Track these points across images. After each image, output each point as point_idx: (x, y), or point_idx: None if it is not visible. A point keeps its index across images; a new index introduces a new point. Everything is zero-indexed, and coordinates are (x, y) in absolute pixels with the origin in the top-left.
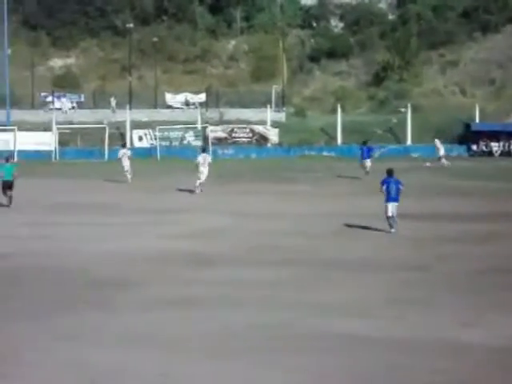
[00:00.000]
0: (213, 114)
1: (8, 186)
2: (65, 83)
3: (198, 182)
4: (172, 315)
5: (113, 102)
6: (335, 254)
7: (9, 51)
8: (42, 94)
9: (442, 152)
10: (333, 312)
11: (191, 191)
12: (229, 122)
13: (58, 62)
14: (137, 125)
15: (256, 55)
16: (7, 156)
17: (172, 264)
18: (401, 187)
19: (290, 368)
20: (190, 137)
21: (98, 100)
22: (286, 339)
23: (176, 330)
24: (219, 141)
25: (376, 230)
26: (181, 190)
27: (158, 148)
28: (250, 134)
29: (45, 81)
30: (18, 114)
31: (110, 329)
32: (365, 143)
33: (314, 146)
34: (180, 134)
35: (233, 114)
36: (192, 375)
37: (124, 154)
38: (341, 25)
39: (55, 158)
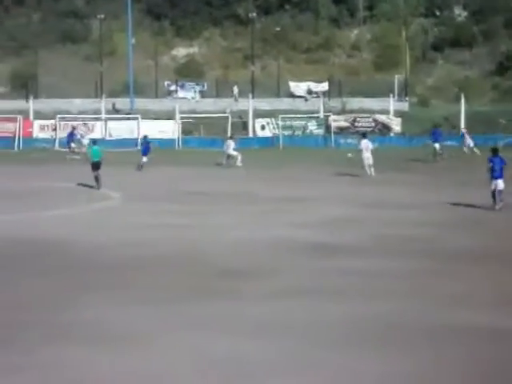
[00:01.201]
0: (335, 103)
1: (96, 166)
2: (187, 72)
3: (367, 165)
4: (300, 304)
5: (235, 90)
6: (463, 244)
7: (133, 40)
8: (166, 82)
9: (469, 142)
10: (461, 304)
11: (357, 176)
12: (351, 112)
13: (181, 51)
14: (259, 114)
15: (379, 44)
16: (94, 139)
17: (300, 253)
18: (504, 165)
19: (419, 359)
20: (312, 126)
21: (220, 89)
22: (412, 330)
23: (304, 319)
24: (341, 130)
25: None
26: (305, 178)
27: (281, 137)
28: (373, 124)
29: (168, 70)
30: (141, 103)
31: (238, 317)
32: (436, 127)
33: None
34: (302, 123)
35: (355, 103)
36: (317, 364)
37: (229, 145)
38: (464, 13)
39: (178, 146)
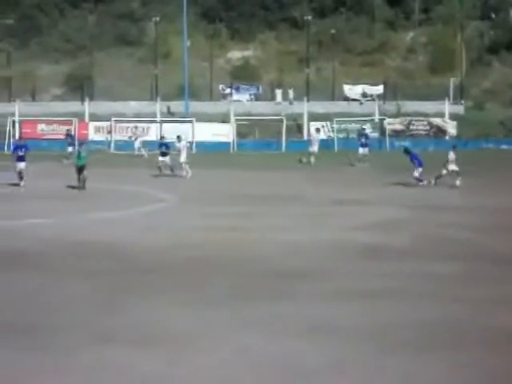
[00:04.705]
0: (390, 106)
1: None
2: (242, 75)
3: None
4: (349, 307)
5: (290, 93)
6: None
7: (188, 43)
8: (220, 85)
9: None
10: (508, 308)
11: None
12: (406, 115)
13: (236, 54)
14: (314, 117)
15: (434, 47)
16: (81, 142)
17: (351, 256)
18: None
19: (454, 364)
20: (367, 129)
21: (275, 92)
22: (452, 334)
23: (359, 322)
24: (396, 133)
25: None
26: (360, 181)
27: (336, 140)
28: (428, 127)
29: (223, 73)
30: (196, 106)
31: (288, 319)
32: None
33: (492, 139)
34: (357, 126)
35: (410, 106)
36: (368, 367)
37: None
38: None
39: (233, 149)
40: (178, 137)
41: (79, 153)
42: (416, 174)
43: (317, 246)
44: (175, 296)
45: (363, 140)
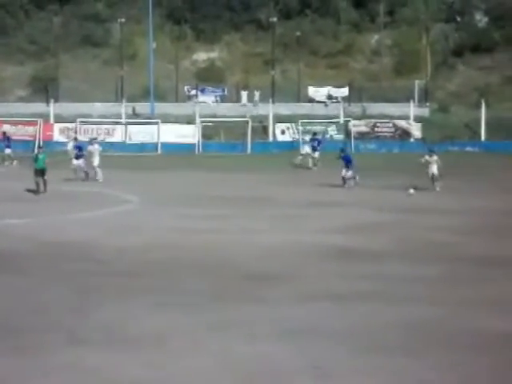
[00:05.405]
0: (355, 108)
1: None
2: (208, 77)
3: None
4: (324, 309)
5: (256, 95)
6: (490, 252)
7: (154, 45)
8: (186, 87)
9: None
10: (486, 309)
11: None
12: (371, 117)
13: (201, 56)
14: (279, 118)
15: (399, 49)
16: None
17: (325, 258)
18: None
19: (441, 365)
20: (332, 131)
21: (240, 94)
22: (436, 336)
23: (328, 324)
24: (361, 135)
25: None
26: (331, 184)
27: (301, 142)
28: (393, 129)
29: (188, 74)
30: (161, 107)
31: (261, 322)
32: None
33: (457, 141)
34: (322, 128)
35: (375, 108)
36: (344, 369)
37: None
38: (485, 19)
39: (198, 150)
40: (92, 139)
41: (37, 156)
42: (343, 173)
43: (292, 248)
44: (149, 298)
45: (315, 144)
